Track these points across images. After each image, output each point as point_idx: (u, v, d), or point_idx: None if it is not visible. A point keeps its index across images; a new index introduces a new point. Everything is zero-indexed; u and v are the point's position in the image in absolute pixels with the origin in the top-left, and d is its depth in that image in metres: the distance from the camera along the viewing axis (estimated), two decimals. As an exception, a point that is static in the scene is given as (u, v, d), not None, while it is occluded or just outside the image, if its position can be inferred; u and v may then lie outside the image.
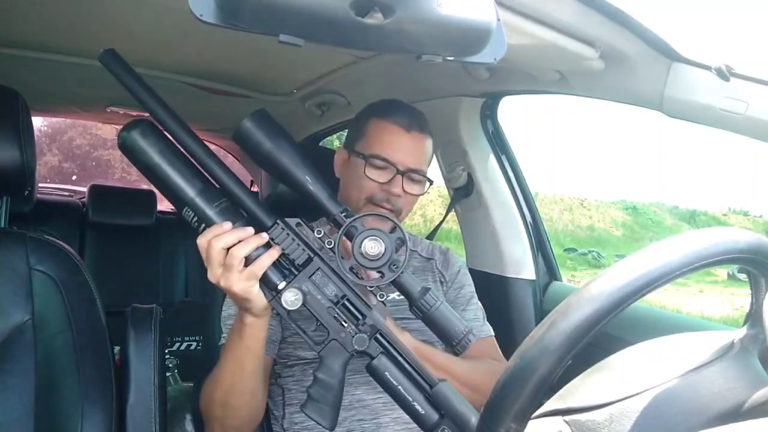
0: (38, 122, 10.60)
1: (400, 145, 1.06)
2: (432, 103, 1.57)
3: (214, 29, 0.67)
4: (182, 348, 2.28)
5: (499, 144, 1.58)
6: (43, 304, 0.98)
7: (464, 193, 1.60)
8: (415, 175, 1.07)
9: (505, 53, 0.78)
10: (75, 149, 12.94)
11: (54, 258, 1.01)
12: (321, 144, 2.27)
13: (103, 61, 0.82)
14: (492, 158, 1.56)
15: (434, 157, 1.64)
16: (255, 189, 2.74)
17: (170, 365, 2.01)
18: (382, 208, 1.05)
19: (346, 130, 1.22)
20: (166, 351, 2.06)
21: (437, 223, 1.76)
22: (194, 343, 2.29)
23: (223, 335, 1.03)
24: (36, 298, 0.98)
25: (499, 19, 0.75)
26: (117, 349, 1.04)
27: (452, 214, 1.70)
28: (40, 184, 2.94)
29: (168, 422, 1.04)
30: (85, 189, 2.73)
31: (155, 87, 0.84)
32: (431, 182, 1.10)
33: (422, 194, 1.10)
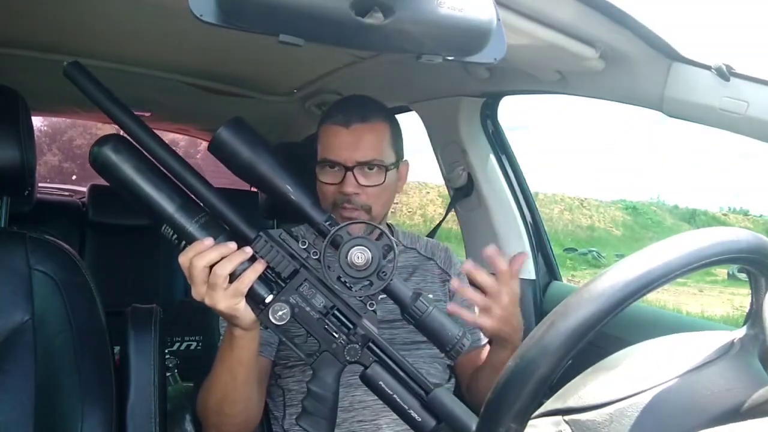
0: (38, 122, 10.60)
1: (341, 142, 1.05)
2: (432, 103, 1.57)
3: (213, 29, 0.67)
4: (182, 348, 2.27)
5: (499, 144, 1.58)
6: (43, 304, 0.98)
7: (464, 193, 1.60)
8: (366, 167, 1.05)
9: (505, 53, 0.78)
10: (75, 149, 12.94)
11: (54, 258, 1.01)
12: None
13: (67, 74, 0.78)
14: (492, 158, 1.56)
15: (434, 154, 1.66)
16: (254, 189, 2.75)
17: (170, 365, 2.00)
18: (346, 209, 1.04)
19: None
20: (166, 351, 2.06)
21: (437, 223, 1.76)
22: (194, 343, 2.29)
23: (222, 336, 1.03)
24: (36, 298, 0.98)
25: (499, 19, 0.75)
26: (117, 349, 1.04)
27: (452, 214, 1.70)
28: (40, 184, 2.94)
29: (168, 422, 1.04)
30: (85, 189, 2.73)
31: (155, 87, 0.83)
32: (388, 168, 1.07)
33: (382, 183, 1.06)
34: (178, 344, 2.27)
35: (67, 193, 3.18)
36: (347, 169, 1.04)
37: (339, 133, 1.05)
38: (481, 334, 1.22)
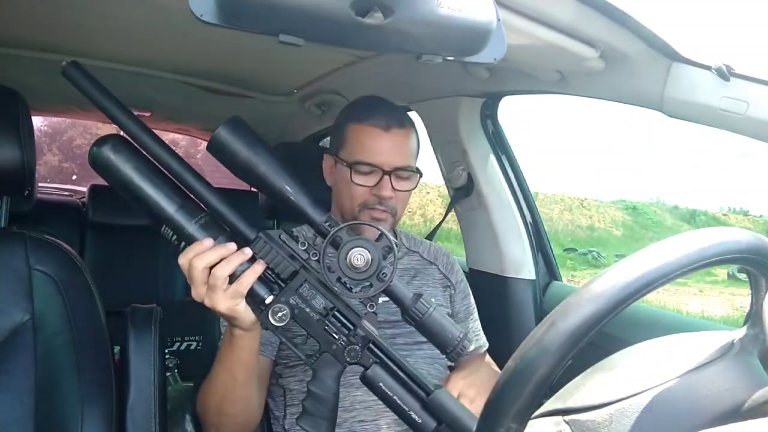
0: (38, 122, 10.59)
1: (381, 146, 1.05)
2: (432, 103, 1.57)
3: (213, 29, 0.67)
4: (182, 348, 2.28)
5: (499, 144, 1.58)
6: (43, 304, 0.98)
7: (464, 193, 1.60)
8: (402, 172, 1.06)
9: (505, 53, 0.78)
10: (75, 149, 12.92)
11: (54, 258, 1.01)
12: (321, 144, 2.27)
13: (66, 74, 0.77)
14: (492, 158, 1.56)
15: (434, 154, 1.66)
16: (254, 189, 2.74)
17: (170, 365, 2.01)
18: (377, 211, 1.05)
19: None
20: (166, 351, 2.06)
21: (437, 223, 1.76)
22: (194, 343, 2.29)
23: (223, 336, 1.03)
24: (36, 298, 0.98)
25: (499, 19, 0.75)
26: (117, 349, 1.04)
27: (452, 214, 1.70)
28: (40, 184, 2.94)
29: (168, 422, 1.04)
30: (85, 189, 2.73)
31: (155, 87, 0.83)
32: (421, 174, 1.09)
33: (414, 188, 1.09)
34: (178, 344, 2.28)
35: (67, 193, 3.18)
36: (384, 173, 1.04)
37: (379, 136, 1.05)
38: (484, 340, 1.23)
